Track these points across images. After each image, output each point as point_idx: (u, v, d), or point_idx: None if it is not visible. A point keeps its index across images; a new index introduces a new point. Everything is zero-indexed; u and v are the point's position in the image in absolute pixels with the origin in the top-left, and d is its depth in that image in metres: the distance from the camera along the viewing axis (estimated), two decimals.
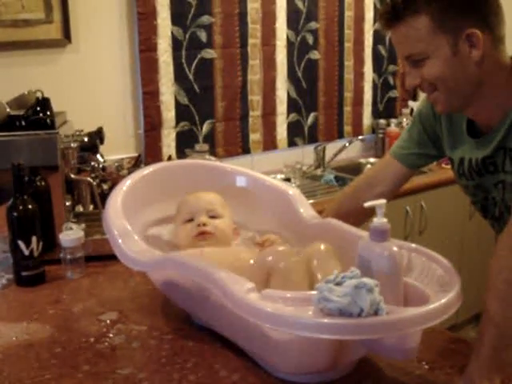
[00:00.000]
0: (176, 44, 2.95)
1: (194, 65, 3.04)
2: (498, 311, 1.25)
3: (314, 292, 1.11)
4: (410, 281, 1.26)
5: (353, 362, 1.30)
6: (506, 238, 1.34)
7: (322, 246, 1.43)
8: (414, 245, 1.37)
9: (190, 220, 1.63)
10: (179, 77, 3.00)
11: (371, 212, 1.38)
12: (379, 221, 1.21)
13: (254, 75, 3.28)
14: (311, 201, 2.85)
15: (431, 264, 1.32)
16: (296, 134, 3.55)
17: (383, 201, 1.22)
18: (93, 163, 2.14)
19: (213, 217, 1.63)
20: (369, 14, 3.74)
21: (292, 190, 1.76)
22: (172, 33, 2.93)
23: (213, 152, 3.07)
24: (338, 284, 1.10)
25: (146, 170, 1.78)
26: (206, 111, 3.14)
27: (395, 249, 1.19)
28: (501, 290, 1.26)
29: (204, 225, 1.61)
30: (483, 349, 1.24)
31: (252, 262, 1.45)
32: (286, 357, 1.24)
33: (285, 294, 1.18)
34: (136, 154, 2.80)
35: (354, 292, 1.06)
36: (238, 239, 1.70)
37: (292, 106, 3.49)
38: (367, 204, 1.24)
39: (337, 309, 1.07)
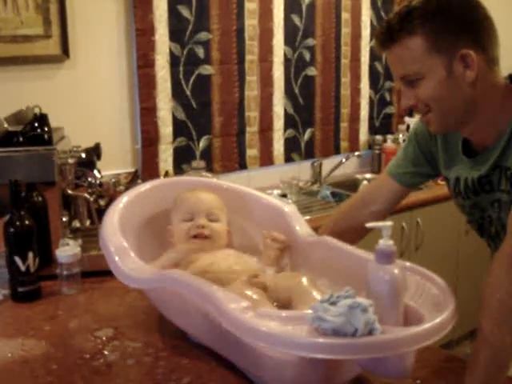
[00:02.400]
0: (174, 60, 2.97)
1: (191, 81, 3.05)
2: (492, 331, 1.25)
3: (308, 311, 1.12)
4: (404, 300, 1.26)
5: (347, 381, 1.30)
6: (501, 256, 1.34)
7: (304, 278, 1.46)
8: (408, 263, 1.37)
9: (189, 220, 1.66)
10: (177, 93, 3.01)
11: (367, 230, 1.39)
12: (385, 243, 1.18)
13: (251, 91, 3.30)
14: (307, 217, 2.86)
15: (426, 283, 1.32)
16: (293, 149, 3.56)
17: (389, 223, 1.20)
18: (90, 179, 2.14)
19: (211, 220, 1.67)
20: (365, 31, 3.77)
21: (288, 207, 1.76)
22: (170, 49, 2.95)
23: (210, 168, 3.08)
24: (333, 304, 1.10)
25: (142, 187, 1.78)
26: (203, 127, 3.15)
27: (396, 271, 1.17)
28: (495, 310, 1.27)
29: (203, 227, 1.65)
30: (477, 368, 1.24)
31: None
32: (280, 375, 1.24)
33: (280, 313, 1.18)
34: (133, 170, 2.80)
35: (348, 312, 1.07)
36: (229, 241, 1.73)
37: (289, 121, 3.51)
38: (370, 225, 1.22)
39: (331, 328, 1.07)
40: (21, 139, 1.98)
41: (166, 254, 1.63)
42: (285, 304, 1.41)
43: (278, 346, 1.12)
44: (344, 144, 3.82)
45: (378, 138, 3.88)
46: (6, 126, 2.03)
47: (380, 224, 1.20)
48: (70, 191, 2.08)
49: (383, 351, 1.09)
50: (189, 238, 1.66)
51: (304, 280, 1.44)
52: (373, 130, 3.96)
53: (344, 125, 3.80)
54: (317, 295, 1.36)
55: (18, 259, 1.80)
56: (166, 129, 3.00)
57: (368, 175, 3.78)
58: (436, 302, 1.25)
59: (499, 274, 1.31)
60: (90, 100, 2.78)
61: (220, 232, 1.68)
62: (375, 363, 1.16)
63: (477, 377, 1.23)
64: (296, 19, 3.42)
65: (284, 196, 3.24)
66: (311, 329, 1.10)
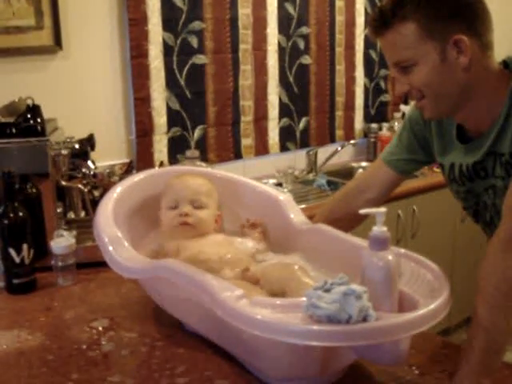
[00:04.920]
0: (167, 50, 2.96)
1: (185, 70, 3.04)
2: (487, 316, 1.25)
3: (303, 299, 1.12)
4: (399, 286, 1.26)
5: (343, 368, 1.30)
6: (496, 242, 1.34)
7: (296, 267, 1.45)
8: (403, 250, 1.37)
9: (174, 207, 1.66)
10: (171, 82, 3.00)
11: (362, 218, 1.39)
12: (378, 229, 1.18)
13: (246, 80, 3.29)
14: (303, 205, 2.86)
15: (420, 269, 1.32)
16: (288, 138, 3.55)
17: (383, 209, 1.20)
18: (84, 170, 2.14)
19: (196, 207, 1.66)
20: (360, 19, 3.75)
21: (282, 196, 1.76)
22: (163, 39, 2.93)
23: (205, 157, 3.07)
24: (327, 291, 1.10)
25: (136, 177, 1.78)
26: (198, 117, 3.14)
27: (390, 258, 1.17)
28: (490, 296, 1.27)
29: (186, 215, 1.64)
30: (472, 354, 1.24)
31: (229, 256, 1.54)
32: (275, 363, 1.24)
33: (274, 301, 1.18)
34: (128, 160, 2.80)
35: (342, 299, 1.07)
36: (219, 226, 1.73)
37: (284, 110, 3.50)
38: (364, 211, 1.22)
39: (325, 316, 1.07)
40: (13, 131, 1.97)
41: (147, 247, 1.63)
42: (278, 295, 1.41)
43: (272, 333, 1.12)
44: (339, 132, 3.82)
45: (374, 126, 3.88)
46: None
47: (374, 210, 1.20)
48: (64, 182, 2.08)
49: (378, 338, 1.09)
50: (173, 226, 1.65)
51: (296, 269, 1.44)
52: (368, 119, 3.95)
53: (339, 113, 3.79)
54: (310, 284, 1.36)
55: (12, 251, 1.80)
56: (160, 119, 2.99)
57: (363, 163, 3.78)
58: (431, 288, 1.25)
59: (494, 259, 1.31)
60: (84, 91, 2.77)
61: (205, 219, 1.66)
62: (370, 350, 1.17)
63: (472, 362, 1.24)
64: (290, 7, 3.40)
65: (279, 185, 3.24)
66: (305, 316, 1.10)
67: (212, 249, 1.56)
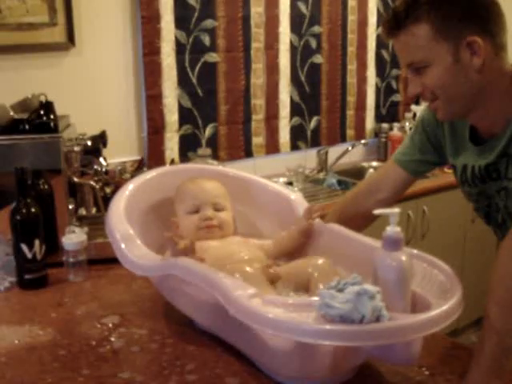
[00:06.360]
0: (179, 48, 2.96)
1: (197, 68, 3.05)
2: (499, 318, 1.25)
3: (316, 298, 1.12)
4: (411, 287, 1.26)
5: (354, 368, 1.30)
6: (508, 244, 1.34)
7: (320, 261, 1.46)
8: (415, 251, 1.37)
9: (195, 212, 1.65)
10: (182, 80, 3.00)
11: (373, 218, 1.39)
12: (392, 230, 1.18)
13: (257, 79, 3.29)
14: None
15: (432, 270, 1.32)
16: (299, 137, 3.56)
17: (397, 210, 1.20)
18: (96, 166, 2.14)
19: (217, 209, 1.66)
20: (372, 19, 3.75)
21: (294, 195, 1.77)
22: (175, 36, 2.94)
23: (215, 155, 3.08)
24: (340, 290, 1.10)
25: (148, 175, 1.78)
26: (209, 115, 3.14)
27: (404, 258, 1.17)
28: (502, 298, 1.27)
29: (210, 219, 1.64)
30: (483, 355, 1.24)
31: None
32: (286, 362, 1.24)
33: (287, 300, 1.19)
34: (139, 158, 2.81)
35: (355, 299, 1.07)
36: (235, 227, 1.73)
37: (295, 109, 3.50)
38: (378, 211, 1.22)
39: (338, 315, 1.07)
40: (27, 127, 1.98)
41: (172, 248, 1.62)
42: (303, 288, 1.42)
43: (284, 332, 1.12)
44: (350, 132, 3.82)
45: (385, 126, 3.87)
46: (11, 113, 2.03)
47: (387, 211, 1.20)
48: (76, 179, 2.08)
49: (390, 338, 1.10)
50: (198, 230, 1.64)
51: (320, 261, 1.44)
52: (379, 118, 3.95)
53: (350, 113, 3.79)
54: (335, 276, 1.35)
55: (24, 246, 1.80)
56: (171, 117, 3.00)
57: (374, 163, 3.77)
58: (443, 289, 1.25)
59: (506, 261, 1.31)
60: (96, 88, 2.78)
61: (228, 221, 1.67)
62: (382, 350, 1.17)
63: (483, 364, 1.23)
64: (302, 6, 3.40)
65: (290, 184, 3.24)
66: (318, 315, 1.10)
67: (234, 247, 1.57)
